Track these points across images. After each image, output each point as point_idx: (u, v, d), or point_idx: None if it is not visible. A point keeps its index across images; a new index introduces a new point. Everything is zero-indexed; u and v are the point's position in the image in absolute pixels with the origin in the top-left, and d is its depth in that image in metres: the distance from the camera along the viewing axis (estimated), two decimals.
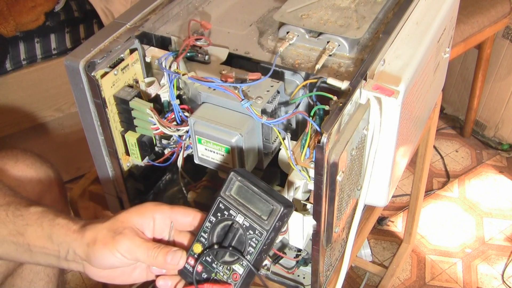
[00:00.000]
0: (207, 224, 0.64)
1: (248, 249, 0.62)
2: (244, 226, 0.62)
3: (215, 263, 0.64)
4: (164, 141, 0.79)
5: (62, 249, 0.66)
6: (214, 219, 0.64)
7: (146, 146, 0.79)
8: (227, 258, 0.63)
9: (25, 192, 0.84)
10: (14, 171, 0.86)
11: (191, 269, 0.65)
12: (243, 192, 0.63)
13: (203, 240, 0.64)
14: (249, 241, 0.62)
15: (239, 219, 0.63)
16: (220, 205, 0.64)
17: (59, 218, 0.67)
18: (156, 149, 0.81)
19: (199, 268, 0.65)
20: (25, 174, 0.87)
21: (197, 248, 0.65)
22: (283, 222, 0.62)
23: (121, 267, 0.66)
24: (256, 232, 0.62)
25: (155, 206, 0.66)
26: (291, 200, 0.71)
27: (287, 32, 0.77)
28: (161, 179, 0.90)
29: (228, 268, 0.63)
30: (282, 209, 0.61)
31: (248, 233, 0.62)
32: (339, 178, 0.64)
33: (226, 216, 0.63)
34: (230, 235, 0.63)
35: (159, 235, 0.67)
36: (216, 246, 0.64)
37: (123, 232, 0.63)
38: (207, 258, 0.64)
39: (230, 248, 0.63)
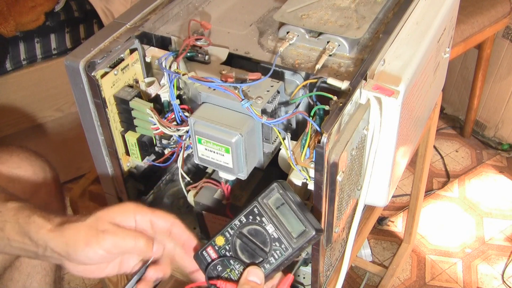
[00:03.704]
0: (237, 222, 0.65)
1: (270, 259, 0.63)
2: (272, 236, 0.63)
3: (233, 260, 0.65)
4: (164, 141, 0.79)
5: (39, 246, 0.66)
6: (245, 220, 0.65)
7: (146, 146, 0.79)
8: (245, 259, 0.65)
9: (19, 185, 0.84)
10: (8, 164, 0.86)
11: (208, 259, 0.66)
12: (280, 205, 0.64)
13: (228, 235, 0.65)
14: (273, 252, 0.63)
15: (270, 228, 0.63)
16: (255, 209, 0.64)
17: (35, 215, 0.66)
18: (156, 149, 0.81)
19: (215, 258, 0.66)
20: (19, 167, 0.87)
21: (220, 241, 0.65)
22: (309, 245, 0.63)
23: (100, 263, 0.66)
24: (282, 246, 0.63)
25: (136, 206, 0.66)
26: None
27: (287, 32, 0.77)
28: (161, 179, 0.90)
29: (243, 269, 0.64)
30: (314, 233, 0.62)
31: (274, 244, 0.63)
32: (339, 178, 0.64)
33: (257, 221, 0.64)
34: (256, 240, 0.64)
35: None
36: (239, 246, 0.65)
37: (106, 229, 0.63)
38: (227, 253, 0.65)
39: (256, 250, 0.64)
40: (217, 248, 0.65)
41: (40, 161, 0.90)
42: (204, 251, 0.66)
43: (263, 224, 0.64)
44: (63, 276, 1.02)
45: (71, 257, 0.64)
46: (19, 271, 0.91)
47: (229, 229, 0.65)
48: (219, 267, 0.65)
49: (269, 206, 0.64)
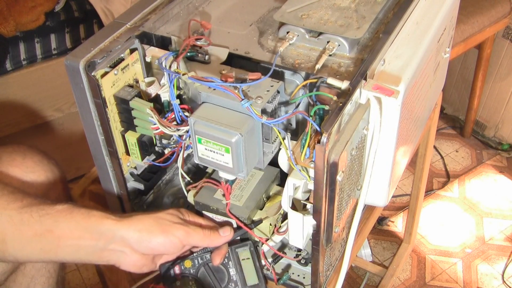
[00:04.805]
0: (208, 255, 0.77)
1: None
2: (232, 278, 0.77)
3: (192, 281, 0.77)
4: (164, 141, 0.79)
5: (103, 237, 0.69)
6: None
7: (146, 146, 0.79)
8: (201, 285, 0.77)
9: (32, 189, 0.85)
10: (22, 168, 0.86)
11: (172, 273, 0.77)
12: (246, 258, 0.78)
13: (196, 262, 0.77)
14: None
15: (232, 271, 0.77)
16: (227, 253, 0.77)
17: (93, 211, 0.70)
18: (156, 149, 0.81)
19: (178, 274, 0.77)
20: (33, 172, 0.87)
21: (187, 264, 0.77)
22: None
23: (168, 252, 0.74)
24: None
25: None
26: (291, 200, 0.71)
27: (287, 32, 0.77)
28: (161, 179, 0.90)
29: None
30: None
31: (230, 284, 0.77)
32: (339, 178, 0.64)
33: (224, 262, 0.77)
34: (216, 275, 0.77)
35: None
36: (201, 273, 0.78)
37: (178, 222, 0.71)
38: (190, 276, 0.77)
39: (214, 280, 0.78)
40: (182, 268, 0.77)
41: (51, 165, 0.90)
42: (172, 270, 0.77)
43: (228, 266, 0.77)
44: (64, 276, 1.02)
45: (142, 244, 0.69)
46: (23, 273, 0.91)
47: (198, 258, 0.77)
48: (178, 282, 0.76)
49: (238, 255, 0.77)
